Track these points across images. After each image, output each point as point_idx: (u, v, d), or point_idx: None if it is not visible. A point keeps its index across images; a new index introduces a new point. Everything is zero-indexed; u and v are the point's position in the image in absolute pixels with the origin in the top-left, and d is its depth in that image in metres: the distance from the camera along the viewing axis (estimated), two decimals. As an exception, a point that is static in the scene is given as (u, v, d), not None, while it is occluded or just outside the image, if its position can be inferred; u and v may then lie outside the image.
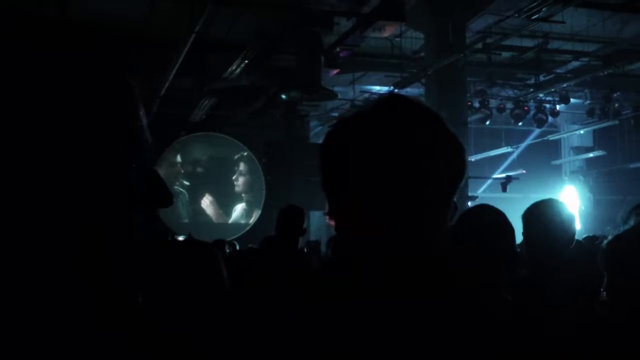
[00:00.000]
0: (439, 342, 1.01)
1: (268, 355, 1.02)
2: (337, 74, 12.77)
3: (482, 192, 15.90)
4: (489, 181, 16.77)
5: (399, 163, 1.06)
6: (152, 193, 0.74)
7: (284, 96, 12.83)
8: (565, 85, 13.71)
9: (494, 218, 2.67)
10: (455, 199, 1.13)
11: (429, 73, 11.45)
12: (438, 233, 1.09)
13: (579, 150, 18.33)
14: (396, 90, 11.93)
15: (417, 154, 1.07)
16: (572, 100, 14.71)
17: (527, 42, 12.50)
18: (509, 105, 14.76)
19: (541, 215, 2.87)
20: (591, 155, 17.32)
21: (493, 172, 16.99)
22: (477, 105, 14.25)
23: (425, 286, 1.06)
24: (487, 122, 15.09)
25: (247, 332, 1.06)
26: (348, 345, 0.99)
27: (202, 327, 1.04)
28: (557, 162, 18.94)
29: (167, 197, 0.77)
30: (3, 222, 0.64)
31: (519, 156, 17.07)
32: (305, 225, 4.30)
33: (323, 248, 8.72)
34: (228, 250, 7.14)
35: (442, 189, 1.09)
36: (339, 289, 1.07)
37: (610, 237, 2.14)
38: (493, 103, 14.64)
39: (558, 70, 13.98)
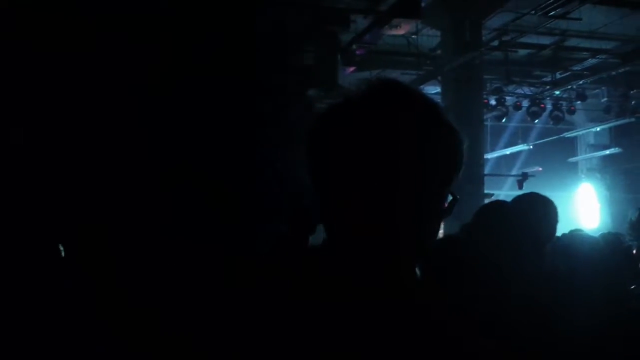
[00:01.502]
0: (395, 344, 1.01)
1: (253, 353, 1.00)
2: (354, 71, 12.79)
3: (498, 190, 15.85)
4: (506, 178, 16.72)
5: (387, 157, 1.00)
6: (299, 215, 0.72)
7: (301, 94, 12.85)
8: (582, 82, 13.65)
9: (508, 214, 2.73)
10: (453, 191, 1.08)
11: (445, 71, 11.45)
12: (429, 227, 1.04)
13: (596, 147, 18.20)
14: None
15: (408, 147, 1.01)
16: (589, 97, 14.63)
17: (544, 40, 12.45)
18: (526, 102, 14.71)
19: (511, 211, 2.89)
20: (607, 152, 17.19)
21: (510, 169, 16.94)
22: (493, 102, 14.21)
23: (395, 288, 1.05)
24: (504, 120, 15.05)
25: (241, 331, 1.03)
26: (326, 345, 0.99)
27: (204, 328, 1.05)
28: (574, 159, 18.82)
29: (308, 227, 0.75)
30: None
31: (535, 153, 16.97)
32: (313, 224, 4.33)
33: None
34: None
35: (435, 182, 1.03)
36: (326, 289, 1.04)
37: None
38: (509, 100, 14.60)
39: (575, 68, 13.91)
